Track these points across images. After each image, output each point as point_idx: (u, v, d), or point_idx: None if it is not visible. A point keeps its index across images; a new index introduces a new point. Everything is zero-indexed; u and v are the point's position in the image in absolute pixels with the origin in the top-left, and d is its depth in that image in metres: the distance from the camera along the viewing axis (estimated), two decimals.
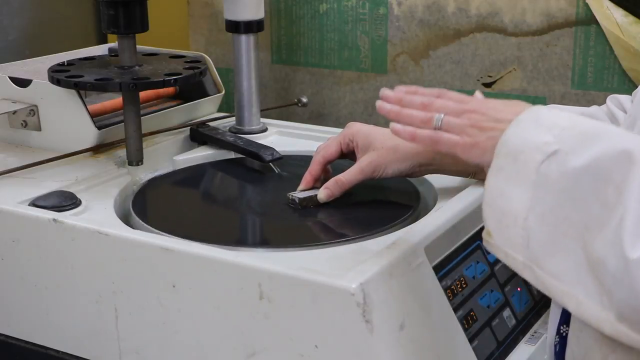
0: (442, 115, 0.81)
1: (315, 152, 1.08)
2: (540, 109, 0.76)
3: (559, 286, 0.71)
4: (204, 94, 1.37)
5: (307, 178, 1.05)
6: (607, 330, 0.69)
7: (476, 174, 1.04)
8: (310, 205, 1.03)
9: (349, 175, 1.02)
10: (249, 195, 1.17)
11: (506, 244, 0.75)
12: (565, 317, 0.85)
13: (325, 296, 0.79)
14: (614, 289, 0.67)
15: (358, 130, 1.05)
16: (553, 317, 0.88)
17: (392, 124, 0.82)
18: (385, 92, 0.85)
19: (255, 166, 1.20)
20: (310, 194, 1.03)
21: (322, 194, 1.02)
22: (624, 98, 1.04)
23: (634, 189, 0.66)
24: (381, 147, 1.02)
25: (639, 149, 0.68)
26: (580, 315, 0.70)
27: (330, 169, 1.08)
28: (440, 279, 0.90)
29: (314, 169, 1.05)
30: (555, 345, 0.87)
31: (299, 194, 1.04)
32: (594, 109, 1.05)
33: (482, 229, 1.01)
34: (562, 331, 0.86)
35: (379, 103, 0.84)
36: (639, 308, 0.66)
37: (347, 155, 1.07)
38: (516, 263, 0.74)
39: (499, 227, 0.75)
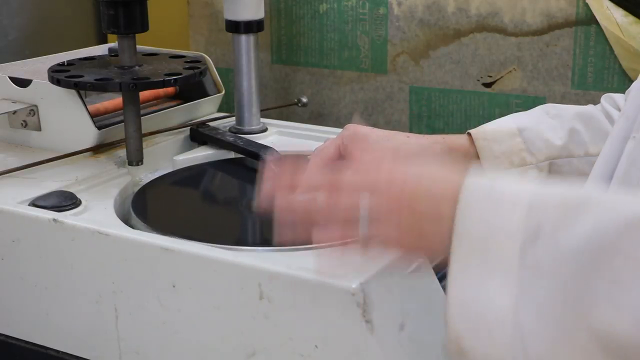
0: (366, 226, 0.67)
1: (312, 155, 1.07)
2: (481, 182, 0.64)
3: None
4: (204, 94, 1.37)
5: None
6: None
7: None
8: None
9: None
10: (249, 195, 1.17)
11: (492, 355, 0.62)
12: None
13: (325, 296, 0.79)
14: None
15: (356, 132, 1.05)
16: None
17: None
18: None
19: (255, 166, 1.20)
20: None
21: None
22: (618, 97, 1.04)
23: None
24: (380, 149, 1.02)
25: None
26: None
27: None
28: (440, 279, 0.89)
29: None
30: None
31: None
32: (590, 107, 1.05)
33: None
34: None
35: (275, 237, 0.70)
36: None
37: (345, 158, 1.06)
38: None
39: (478, 336, 0.62)
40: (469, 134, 1.04)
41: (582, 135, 1.02)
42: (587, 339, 0.59)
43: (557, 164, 1.02)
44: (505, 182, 0.64)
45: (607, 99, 1.05)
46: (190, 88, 1.35)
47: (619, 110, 1.02)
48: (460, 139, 1.04)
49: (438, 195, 0.65)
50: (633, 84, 0.91)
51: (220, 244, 0.90)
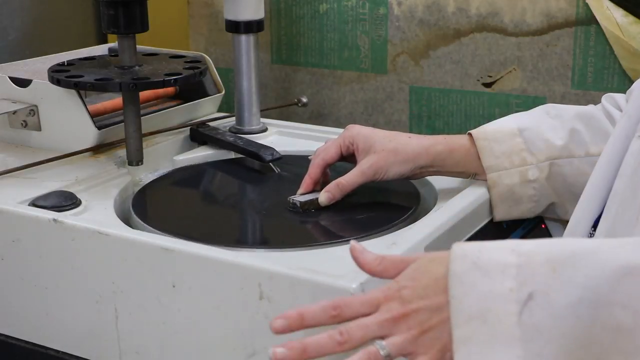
0: (382, 342, 0.66)
1: (314, 155, 1.07)
2: (466, 252, 0.65)
3: None
4: (204, 94, 1.37)
5: (306, 181, 1.05)
6: None
7: (477, 175, 1.04)
8: (312, 208, 1.03)
9: (350, 178, 1.02)
10: (249, 195, 1.17)
11: None
12: None
13: (326, 296, 0.79)
14: None
15: (358, 132, 1.05)
16: None
17: None
18: (276, 351, 0.69)
19: (255, 166, 1.20)
20: (311, 198, 1.03)
21: (323, 197, 1.02)
22: (619, 96, 1.04)
23: None
24: (382, 149, 1.02)
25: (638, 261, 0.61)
26: None
27: (329, 172, 1.08)
28: None
29: (313, 172, 1.05)
30: None
31: (299, 197, 1.04)
32: (590, 108, 1.05)
33: (482, 228, 1.02)
34: None
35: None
36: None
37: (347, 158, 1.06)
38: None
39: None
40: (470, 134, 1.04)
41: (583, 135, 1.02)
42: None
43: (558, 164, 1.02)
44: (489, 247, 0.65)
45: (608, 99, 1.05)
46: (190, 88, 1.35)
47: (620, 110, 1.02)
48: (461, 139, 1.04)
49: (432, 284, 0.67)
50: (635, 83, 0.91)
51: (220, 244, 0.90)
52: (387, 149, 1.02)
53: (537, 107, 1.07)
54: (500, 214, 1.04)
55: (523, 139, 1.02)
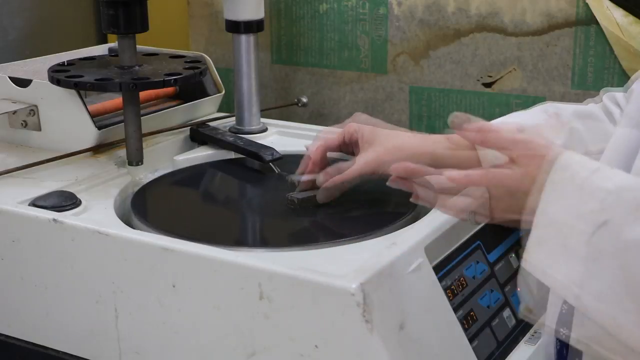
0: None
1: (318, 137, 1.07)
2: (572, 164, 0.72)
3: None
4: (204, 94, 1.37)
5: (305, 161, 1.04)
6: None
7: None
8: (310, 205, 1.03)
9: (351, 170, 1.02)
10: (249, 195, 1.17)
11: (554, 321, 0.73)
12: (564, 319, 0.85)
13: (325, 296, 0.79)
14: None
15: (365, 121, 1.05)
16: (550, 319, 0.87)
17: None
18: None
19: (255, 166, 1.20)
20: (310, 194, 1.03)
21: (322, 194, 1.02)
22: (619, 95, 1.04)
23: None
24: (384, 145, 1.01)
25: None
26: None
27: (329, 160, 1.07)
28: (440, 279, 0.90)
29: (313, 153, 1.04)
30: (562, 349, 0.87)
31: (298, 194, 1.04)
32: (590, 105, 1.05)
33: (482, 228, 1.02)
34: (562, 333, 0.86)
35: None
36: None
37: (349, 146, 1.06)
38: (569, 339, 0.71)
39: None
40: None
41: (582, 134, 1.02)
42: None
43: None
44: (592, 169, 0.71)
45: (609, 96, 1.05)
46: (190, 88, 1.35)
47: (620, 107, 1.02)
48: (461, 139, 1.04)
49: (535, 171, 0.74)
50: (635, 83, 0.91)
51: (220, 244, 0.90)
52: (389, 145, 1.01)
53: (536, 106, 1.07)
54: None
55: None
